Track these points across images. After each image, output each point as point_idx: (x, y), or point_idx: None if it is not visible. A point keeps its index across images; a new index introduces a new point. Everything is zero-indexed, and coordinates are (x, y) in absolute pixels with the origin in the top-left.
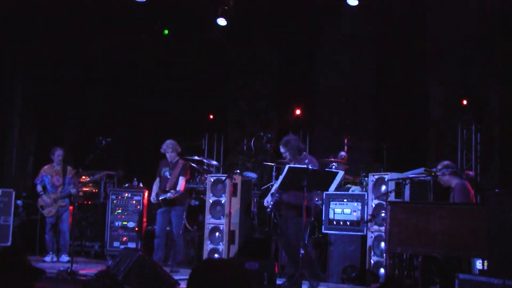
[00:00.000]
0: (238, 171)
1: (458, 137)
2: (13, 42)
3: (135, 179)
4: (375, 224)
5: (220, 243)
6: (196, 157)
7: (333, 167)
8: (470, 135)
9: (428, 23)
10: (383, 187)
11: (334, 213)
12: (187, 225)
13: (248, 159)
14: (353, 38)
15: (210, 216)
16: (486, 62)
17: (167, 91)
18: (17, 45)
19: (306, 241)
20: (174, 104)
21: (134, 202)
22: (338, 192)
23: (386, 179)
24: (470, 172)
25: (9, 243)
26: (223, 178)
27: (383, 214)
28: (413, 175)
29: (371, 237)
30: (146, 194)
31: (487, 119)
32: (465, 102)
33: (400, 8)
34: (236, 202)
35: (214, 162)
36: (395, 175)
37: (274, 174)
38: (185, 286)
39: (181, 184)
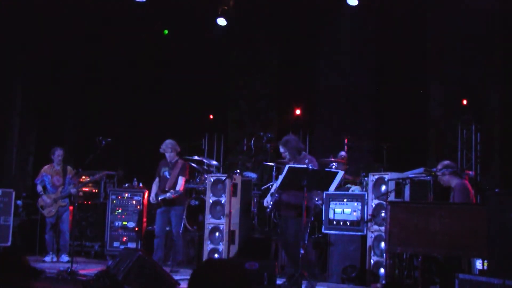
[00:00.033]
0: (238, 171)
1: (458, 137)
2: (13, 42)
3: (135, 179)
4: (375, 224)
5: (220, 243)
6: (196, 157)
7: (333, 167)
8: (470, 135)
9: (428, 23)
10: (383, 187)
11: (334, 213)
12: (187, 225)
13: (248, 159)
14: (353, 38)
15: (210, 216)
16: (486, 62)
17: (167, 91)
18: (17, 45)
19: (306, 241)
20: (174, 104)
21: (134, 202)
22: (338, 192)
23: (386, 179)
24: (470, 172)
25: (9, 243)
26: (223, 178)
27: (383, 214)
28: (413, 175)
29: (371, 237)
30: (146, 194)
31: (487, 119)
32: (465, 102)
33: (400, 8)
34: (236, 202)
35: (214, 162)
36: (395, 175)
37: (274, 174)
38: (185, 286)
39: (181, 184)
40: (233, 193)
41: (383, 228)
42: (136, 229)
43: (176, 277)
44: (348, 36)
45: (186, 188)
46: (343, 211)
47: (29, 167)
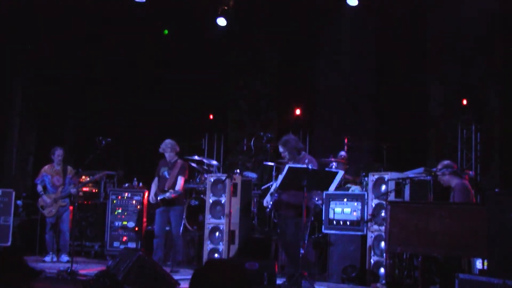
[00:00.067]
0: (238, 171)
1: (458, 137)
2: (13, 42)
3: (135, 179)
4: (375, 224)
5: (220, 243)
6: (196, 157)
7: (333, 167)
8: (470, 135)
9: (428, 23)
10: (383, 187)
11: (334, 213)
12: (187, 225)
13: (248, 159)
14: (353, 38)
15: (210, 216)
16: (486, 62)
17: (167, 91)
18: (17, 45)
19: (306, 241)
20: (174, 104)
21: (134, 202)
22: (338, 192)
23: (386, 179)
24: (470, 172)
25: (9, 243)
26: (223, 178)
27: (383, 214)
28: (413, 175)
29: (371, 237)
30: (146, 194)
31: (487, 119)
32: (465, 102)
33: (400, 8)
34: (236, 202)
35: (214, 162)
36: (395, 175)
37: (274, 174)
38: (185, 286)
39: (180, 184)
40: (233, 193)
41: (383, 228)
42: (136, 229)
43: (176, 277)
44: (348, 36)
45: (186, 188)
46: (343, 211)
47: (29, 167)
